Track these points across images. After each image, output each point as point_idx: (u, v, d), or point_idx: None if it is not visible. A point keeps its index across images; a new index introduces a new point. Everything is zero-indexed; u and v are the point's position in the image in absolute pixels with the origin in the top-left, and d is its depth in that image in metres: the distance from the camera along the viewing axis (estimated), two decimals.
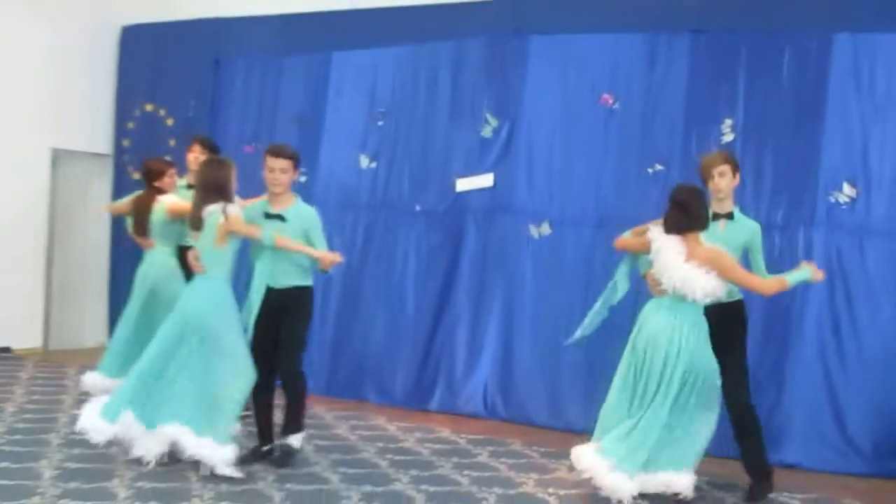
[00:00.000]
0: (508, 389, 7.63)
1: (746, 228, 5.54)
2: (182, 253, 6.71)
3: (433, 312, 7.96)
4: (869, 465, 6.43)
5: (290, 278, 5.57)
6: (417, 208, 8.10)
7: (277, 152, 5.55)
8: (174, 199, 6.64)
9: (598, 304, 5.72)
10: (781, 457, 6.49)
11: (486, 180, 7.82)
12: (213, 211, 5.29)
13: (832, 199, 6.69)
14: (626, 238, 5.59)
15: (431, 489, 5.41)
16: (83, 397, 6.72)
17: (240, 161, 8.67)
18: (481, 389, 7.70)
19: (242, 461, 5.41)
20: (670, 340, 5.12)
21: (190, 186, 6.82)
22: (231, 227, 5.30)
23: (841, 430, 6.49)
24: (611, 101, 7.42)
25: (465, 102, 7.96)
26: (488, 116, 7.84)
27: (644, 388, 5.21)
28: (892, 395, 6.49)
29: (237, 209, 5.39)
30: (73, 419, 6.47)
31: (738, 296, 5.48)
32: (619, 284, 5.65)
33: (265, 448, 5.71)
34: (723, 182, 5.45)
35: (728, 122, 7.02)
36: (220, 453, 5.19)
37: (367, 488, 5.33)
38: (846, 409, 6.53)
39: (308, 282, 5.70)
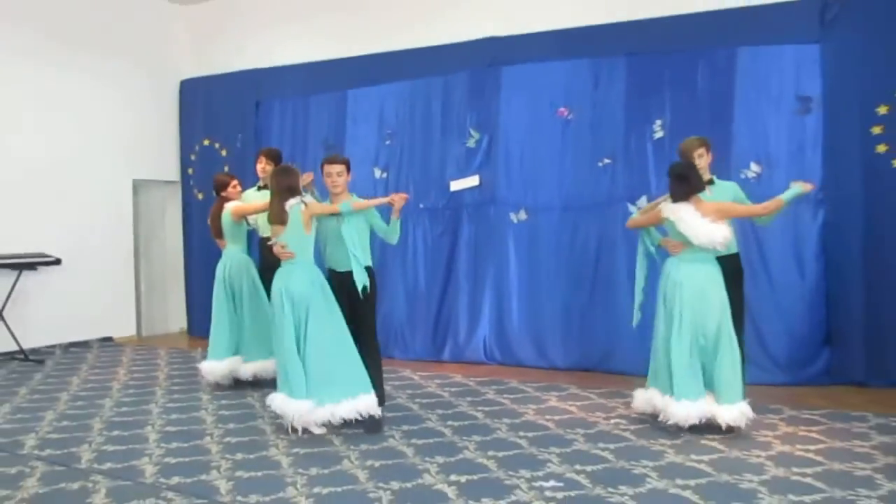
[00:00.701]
0: (503, 340, 7.55)
1: (727, 187, 5.43)
2: (262, 246, 6.52)
3: (440, 286, 7.85)
4: (785, 375, 6.43)
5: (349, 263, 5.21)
6: (421, 206, 7.97)
7: (332, 159, 5.35)
8: (237, 203, 6.43)
9: (639, 282, 5.38)
10: None
11: (473, 181, 7.71)
12: (294, 204, 5.08)
13: (743, 176, 6.62)
14: (637, 218, 5.38)
15: (456, 424, 5.34)
16: (194, 380, 6.68)
17: None
18: (482, 342, 7.61)
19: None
20: (696, 285, 4.95)
21: (260, 188, 6.61)
22: (313, 211, 5.11)
23: (764, 350, 6.46)
24: (566, 113, 7.32)
25: (454, 122, 7.83)
26: (472, 131, 7.72)
27: (680, 330, 4.95)
28: (799, 322, 6.49)
29: (311, 198, 5.25)
30: (168, 391, 6.39)
31: (735, 249, 5.35)
32: (644, 259, 5.38)
33: None
34: (702, 161, 5.31)
35: (658, 122, 6.95)
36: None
37: (406, 427, 5.24)
38: (766, 335, 6.52)
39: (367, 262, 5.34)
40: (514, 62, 7.49)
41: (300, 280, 5.06)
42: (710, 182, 5.36)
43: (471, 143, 7.72)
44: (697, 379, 4.92)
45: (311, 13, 8.87)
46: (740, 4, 6.63)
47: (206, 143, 9.44)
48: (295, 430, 5.02)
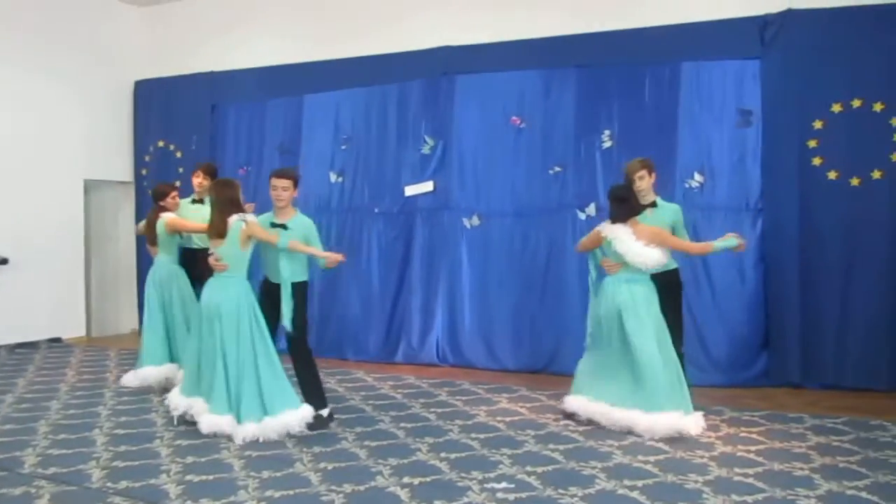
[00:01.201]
0: (455, 342, 7.47)
1: (669, 210, 5.45)
2: (187, 256, 6.51)
3: (394, 289, 7.73)
4: (726, 377, 6.47)
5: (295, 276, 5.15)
6: (376, 210, 7.85)
7: (280, 173, 5.20)
8: (173, 216, 6.28)
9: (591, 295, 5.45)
10: None
11: (427, 186, 7.61)
12: (236, 220, 4.98)
13: (687, 185, 6.69)
14: (583, 241, 5.42)
15: (409, 426, 5.23)
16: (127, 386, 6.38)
17: None
18: (434, 344, 7.51)
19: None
20: (629, 304, 5.04)
21: (195, 201, 6.64)
22: (253, 232, 4.97)
23: (706, 354, 6.50)
24: (518, 122, 7.28)
25: (409, 128, 7.73)
26: (427, 138, 7.63)
27: (610, 342, 5.14)
28: (739, 327, 6.54)
29: (254, 218, 5.12)
30: (117, 393, 6.13)
31: (674, 265, 5.39)
32: (593, 273, 5.44)
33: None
34: (643, 183, 5.35)
35: (607, 132, 6.96)
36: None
37: (359, 429, 5.12)
38: (708, 339, 6.56)
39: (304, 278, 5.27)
40: (468, 71, 7.43)
41: (230, 295, 4.94)
42: (653, 204, 5.38)
43: (425, 150, 7.62)
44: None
45: (268, 17, 8.67)
46: (681, 24, 6.66)
47: (160, 144, 9.15)
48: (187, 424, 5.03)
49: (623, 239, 5.03)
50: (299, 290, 5.17)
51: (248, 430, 4.78)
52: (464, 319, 7.41)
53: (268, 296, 5.16)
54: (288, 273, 5.05)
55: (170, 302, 6.29)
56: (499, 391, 6.29)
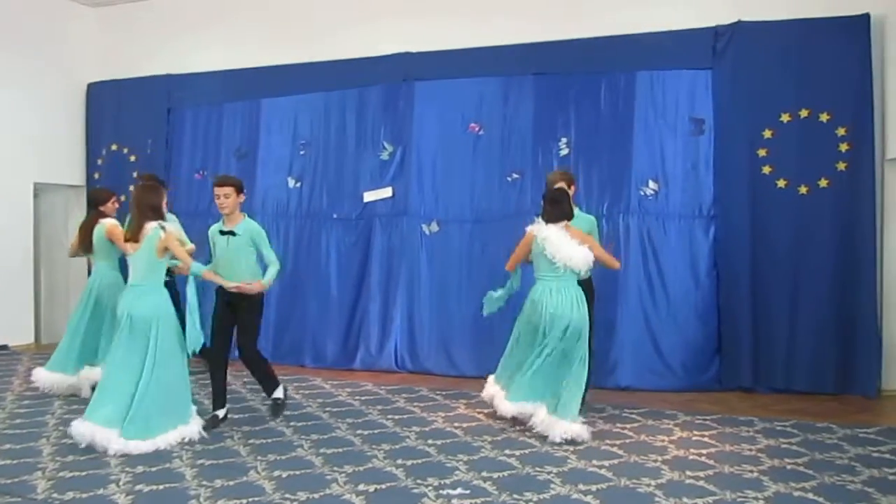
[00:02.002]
0: (414, 348, 7.46)
1: (585, 221, 5.53)
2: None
3: (353, 295, 7.69)
4: (680, 382, 6.57)
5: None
6: (335, 216, 7.82)
7: (220, 181, 5.24)
8: (114, 222, 6.09)
9: (497, 293, 5.59)
10: (618, 381, 6.57)
11: (386, 192, 7.61)
12: (153, 227, 4.81)
13: (641, 193, 6.79)
14: (515, 254, 5.44)
15: (365, 433, 5.20)
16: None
17: (191, 184, 8.40)
18: (393, 350, 7.48)
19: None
20: (556, 307, 5.09)
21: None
22: (168, 244, 4.81)
23: (660, 358, 6.60)
24: (477, 129, 7.32)
25: (367, 134, 7.72)
26: (385, 144, 7.63)
27: (534, 341, 5.22)
28: (693, 332, 6.65)
29: (173, 227, 5.00)
30: (66, 402, 5.98)
31: (589, 274, 5.43)
32: (514, 283, 5.57)
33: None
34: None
35: (564, 140, 7.05)
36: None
37: (314, 436, 5.07)
38: (661, 342, 6.68)
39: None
40: (427, 78, 7.46)
41: (146, 305, 4.80)
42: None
43: (384, 156, 7.61)
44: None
45: (226, 21, 8.58)
46: (636, 34, 6.77)
47: (114, 148, 8.96)
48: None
49: (554, 239, 5.04)
50: (256, 298, 5.22)
51: (129, 446, 4.58)
52: (422, 325, 7.41)
53: (227, 305, 5.19)
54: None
55: (109, 312, 5.92)
56: (457, 397, 6.29)
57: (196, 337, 4.88)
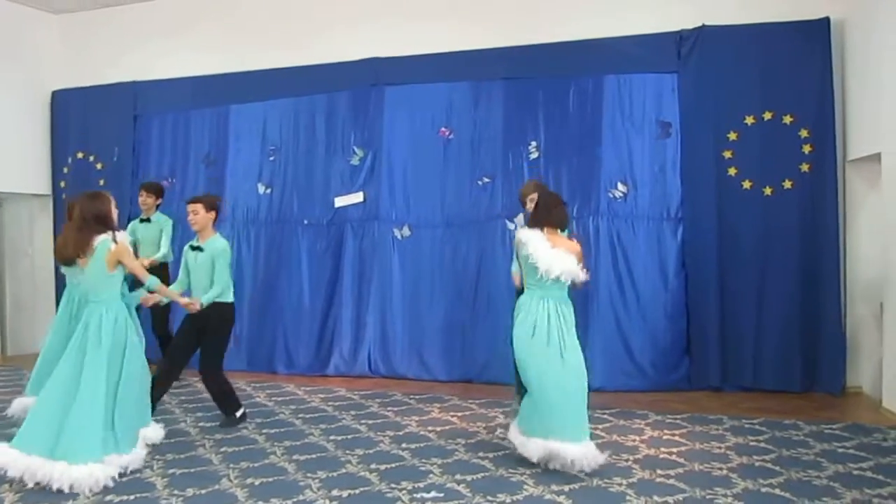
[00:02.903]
0: (387, 353, 7.46)
1: None
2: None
3: (325, 300, 7.68)
4: (651, 382, 6.65)
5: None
6: (306, 222, 7.79)
7: (190, 200, 5.50)
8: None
9: None
10: (590, 383, 6.54)
11: (357, 197, 7.61)
12: (103, 240, 4.46)
13: (610, 195, 6.87)
14: (515, 270, 5.10)
15: (339, 438, 5.20)
16: None
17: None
18: (366, 355, 7.47)
19: None
20: (545, 320, 4.59)
21: (142, 220, 6.88)
22: (119, 256, 4.49)
23: (630, 358, 6.67)
24: (447, 133, 7.36)
25: (338, 139, 7.72)
26: (356, 149, 7.63)
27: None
28: (662, 333, 6.73)
29: (124, 238, 4.65)
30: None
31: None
32: None
33: None
34: (533, 205, 5.11)
35: (533, 143, 7.11)
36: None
37: (288, 443, 5.06)
38: (631, 343, 6.74)
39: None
40: (397, 83, 7.48)
41: (104, 320, 4.42)
42: None
43: (355, 161, 7.62)
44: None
45: (193, 27, 8.51)
46: (603, 38, 6.87)
47: (80, 156, 8.84)
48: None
49: (534, 244, 4.60)
50: (223, 310, 5.34)
51: (72, 472, 4.11)
52: (395, 330, 7.42)
53: (195, 319, 5.28)
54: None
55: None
56: (430, 401, 6.31)
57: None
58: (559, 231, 4.73)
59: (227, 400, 5.53)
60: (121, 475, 4.31)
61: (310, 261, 7.73)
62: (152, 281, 4.79)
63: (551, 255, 4.56)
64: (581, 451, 4.36)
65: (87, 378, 4.30)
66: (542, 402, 4.48)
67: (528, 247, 4.62)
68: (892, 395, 5.66)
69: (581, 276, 4.60)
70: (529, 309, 4.62)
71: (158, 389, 5.18)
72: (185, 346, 5.38)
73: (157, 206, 6.95)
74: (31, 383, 5.60)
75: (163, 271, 6.53)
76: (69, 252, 4.53)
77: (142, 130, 8.55)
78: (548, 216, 4.70)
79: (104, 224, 4.54)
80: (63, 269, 5.72)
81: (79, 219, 4.54)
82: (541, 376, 4.51)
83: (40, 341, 9.00)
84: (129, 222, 8.19)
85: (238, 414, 5.54)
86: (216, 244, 5.35)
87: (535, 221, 4.75)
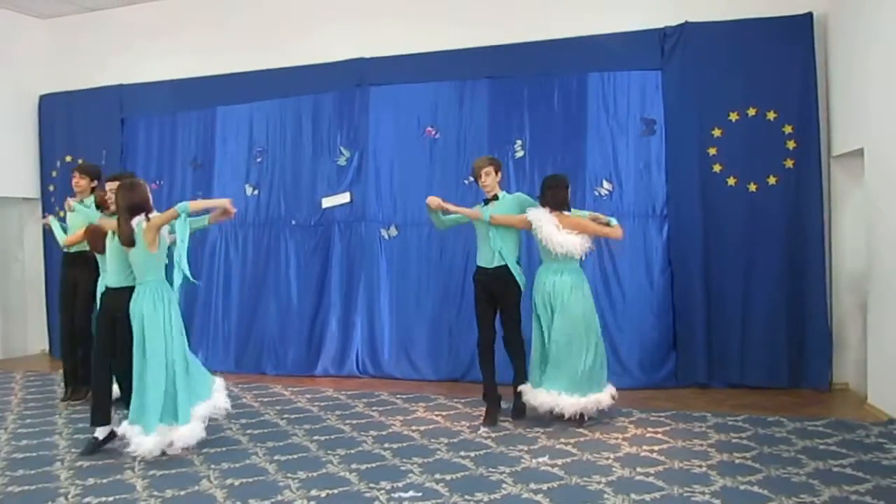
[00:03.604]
0: (375, 353, 7.46)
1: (509, 199, 5.61)
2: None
3: (313, 301, 7.67)
4: (637, 380, 6.64)
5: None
6: (293, 223, 7.80)
7: (109, 178, 5.47)
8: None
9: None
10: None
11: (344, 198, 7.61)
12: (137, 222, 4.74)
13: (596, 193, 6.88)
14: (504, 218, 5.50)
15: (322, 438, 5.21)
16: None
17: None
18: (354, 355, 7.48)
19: None
20: (561, 292, 5.32)
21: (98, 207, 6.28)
22: (154, 224, 4.71)
23: (616, 356, 6.65)
24: (433, 132, 7.36)
25: (324, 140, 7.71)
26: (342, 149, 7.63)
27: (550, 332, 5.38)
28: (648, 330, 6.73)
29: (152, 214, 4.84)
30: (20, 416, 5.92)
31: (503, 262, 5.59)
32: (462, 220, 5.84)
33: None
34: (488, 179, 5.56)
35: (519, 142, 7.10)
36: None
37: (270, 444, 5.07)
38: (618, 341, 6.73)
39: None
40: (382, 83, 7.48)
41: (146, 302, 4.74)
42: (496, 198, 5.57)
43: (341, 161, 7.62)
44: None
45: (178, 29, 8.52)
46: (587, 36, 6.88)
47: (68, 159, 8.84)
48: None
49: (544, 225, 5.28)
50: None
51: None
52: (383, 330, 7.42)
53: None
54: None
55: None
56: (416, 401, 6.31)
57: (179, 275, 4.84)
58: (565, 211, 5.38)
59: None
60: (101, 478, 4.35)
61: (297, 262, 7.73)
62: (182, 206, 4.78)
63: (563, 238, 5.26)
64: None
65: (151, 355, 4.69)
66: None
67: (538, 230, 5.31)
68: (877, 390, 5.66)
69: (585, 246, 5.34)
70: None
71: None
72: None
73: (92, 190, 6.49)
74: None
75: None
76: (123, 242, 4.78)
77: (129, 133, 8.56)
78: (557, 199, 5.37)
79: (140, 211, 4.78)
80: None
81: (119, 210, 4.79)
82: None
83: (31, 345, 9.13)
84: None
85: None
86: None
87: (547, 203, 5.38)
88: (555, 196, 5.38)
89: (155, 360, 4.70)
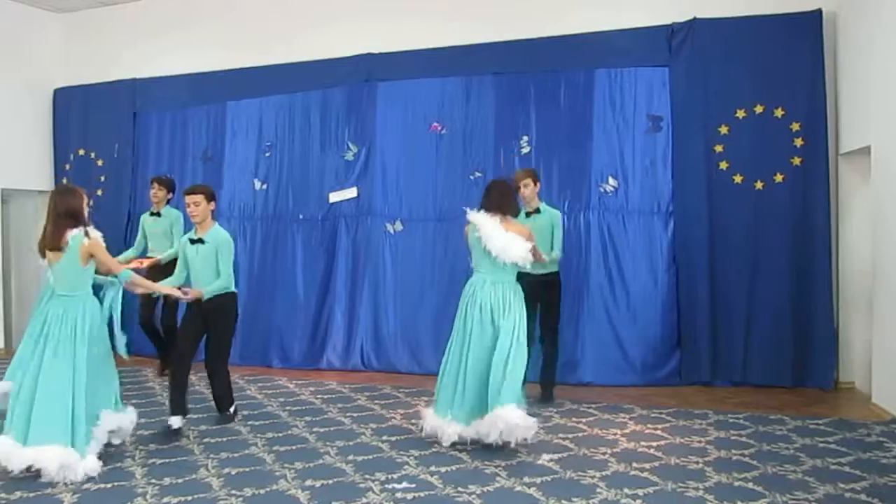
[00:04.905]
0: (379, 347, 7.49)
1: (550, 215, 5.72)
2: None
3: (319, 295, 7.71)
4: (641, 377, 6.62)
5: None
6: (301, 217, 7.85)
7: (189, 190, 5.25)
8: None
9: None
10: (580, 377, 6.62)
11: (351, 192, 7.65)
12: (75, 234, 4.45)
13: (601, 190, 6.85)
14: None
15: (321, 430, 5.24)
16: None
17: None
18: (359, 349, 7.51)
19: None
20: (495, 303, 4.79)
21: (152, 214, 6.90)
22: (92, 250, 4.46)
23: (621, 353, 6.65)
24: (439, 128, 7.37)
25: (332, 135, 7.75)
26: (350, 144, 7.66)
27: (471, 344, 4.79)
28: (653, 328, 6.70)
29: (97, 233, 4.59)
30: None
31: (556, 268, 5.67)
32: None
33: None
34: (527, 190, 5.66)
35: (525, 138, 7.10)
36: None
37: (270, 434, 5.11)
38: (622, 339, 6.72)
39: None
40: (389, 78, 7.51)
41: (77, 314, 4.45)
42: (537, 211, 5.68)
43: (349, 156, 7.66)
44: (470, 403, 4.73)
45: (190, 25, 8.60)
46: (594, 32, 6.87)
47: (80, 152, 8.96)
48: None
49: (487, 229, 4.74)
50: (229, 300, 5.29)
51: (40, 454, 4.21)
52: (388, 324, 7.45)
53: (200, 311, 5.17)
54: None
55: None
56: (419, 394, 6.32)
57: (121, 340, 4.71)
58: (510, 218, 4.88)
59: (229, 395, 5.48)
60: (103, 465, 4.39)
61: (304, 256, 7.78)
62: (124, 274, 4.71)
63: (505, 240, 4.72)
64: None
65: (57, 369, 4.34)
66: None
67: (479, 230, 4.79)
68: (881, 390, 5.60)
69: (526, 254, 4.76)
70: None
71: (177, 388, 5.07)
72: (192, 339, 5.22)
73: (168, 201, 6.95)
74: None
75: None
76: (43, 245, 4.53)
77: (141, 127, 8.64)
78: (501, 203, 4.83)
79: (75, 219, 4.50)
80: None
81: (52, 213, 4.52)
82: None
83: None
84: (128, 217, 8.40)
85: (233, 409, 5.50)
86: (219, 235, 5.19)
87: (489, 206, 4.85)
88: (499, 200, 4.84)
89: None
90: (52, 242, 4.48)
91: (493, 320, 4.75)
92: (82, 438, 4.30)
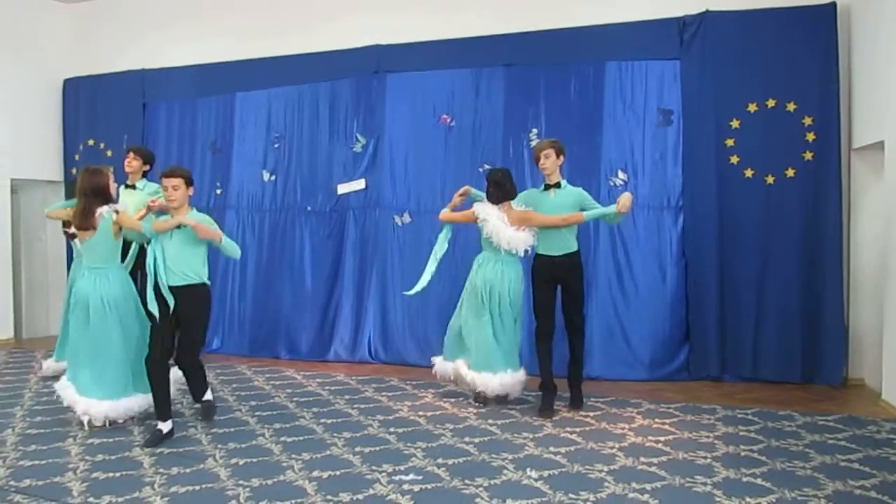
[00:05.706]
0: (387, 339, 7.49)
1: (571, 192, 5.60)
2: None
3: (327, 287, 7.70)
4: (649, 372, 6.60)
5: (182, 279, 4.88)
6: (309, 209, 7.84)
7: (168, 172, 4.85)
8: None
9: (430, 265, 6.01)
10: (588, 372, 6.57)
11: (359, 184, 7.63)
12: (105, 211, 4.90)
13: (611, 183, 6.82)
14: (453, 215, 5.85)
15: (329, 421, 5.25)
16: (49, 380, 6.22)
17: None
18: (366, 341, 7.52)
19: None
20: (499, 282, 5.56)
21: (127, 186, 6.42)
22: (121, 222, 4.91)
23: (628, 348, 6.63)
24: (448, 120, 7.35)
25: (340, 126, 7.74)
26: (358, 136, 7.65)
27: (479, 313, 5.62)
28: (661, 323, 6.67)
29: (123, 207, 5.12)
30: (36, 394, 6.03)
31: (575, 247, 5.61)
32: (441, 246, 6.00)
33: None
34: (548, 161, 5.51)
35: (534, 130, 7.06)
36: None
37: (278, 425, 5.12)
38: (630, 333, 6.70)
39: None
40: (398, 70, 7.48)
41: (111, 285, 4.97)
42: (557, 185, 5.55)
43: (357, 148, 7.65)
44: (498, 356, 5.58)
45: (199, 15, 8.60)
46: (605, 24, 6.82)
47: (90, 143, 8.98)
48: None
49: (493, 221, 5.49)
50: (201, 292, 4.94)
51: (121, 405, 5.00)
52: (396, 316, 7.45)
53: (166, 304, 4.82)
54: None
55: None
56: (426, 387, 6.34)
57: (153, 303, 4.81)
58: (511, 203, 5.56)
59: (204, 384, 5.22)
60: (111, 454, 4.43)
61: (312, 248, 7.78)
62: (146, 226, 4.87)
63: (511, 234, 5.46)
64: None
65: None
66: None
67: (486, 225, 5.53)
68: (892, 387, 5.56)
69: (532, 241, 5.52)
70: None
71: (161, 392, 4.87)
72: (164, 345, 4.84)
73: (145, 174, 6.39)
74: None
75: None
76: (76, 224, 4.94)
77: (150, 118, 8.64)
78: (504, 194, 5.53)
79: (103, 196, 4.93)
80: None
81: (80, 193, 4.92)
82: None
83: (54, 325, 9.27)
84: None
85: (210, 395, 5.27)
86: (198, 216, 4.92)
87: (493, 199, 5.56)
88: (499, 191, 5.52)
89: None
90: (85, 222, 4.88)
91: (490, 295, 5.56)
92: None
